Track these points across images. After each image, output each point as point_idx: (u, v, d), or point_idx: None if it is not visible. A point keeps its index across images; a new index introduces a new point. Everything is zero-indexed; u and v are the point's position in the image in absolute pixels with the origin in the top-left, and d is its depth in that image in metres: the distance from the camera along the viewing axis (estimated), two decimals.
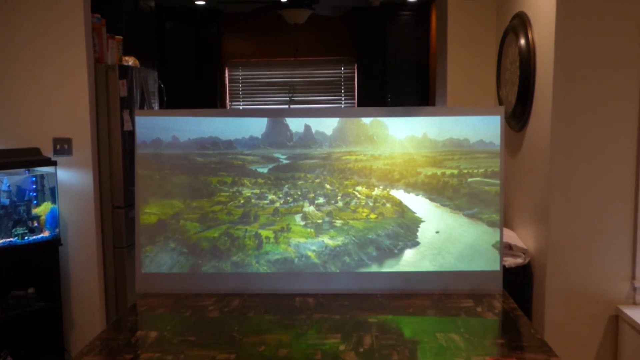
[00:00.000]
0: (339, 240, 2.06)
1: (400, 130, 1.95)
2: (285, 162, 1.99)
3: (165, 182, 2.06)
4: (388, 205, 2.04)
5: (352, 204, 2.05)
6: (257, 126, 1.97)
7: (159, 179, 2.05)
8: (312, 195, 2.05)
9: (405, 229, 2.04)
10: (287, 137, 1.98)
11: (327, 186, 2.03)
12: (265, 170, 2.01)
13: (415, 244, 2.03)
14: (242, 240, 2.08)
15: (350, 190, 2.04)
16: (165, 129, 1.97)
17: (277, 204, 2.07)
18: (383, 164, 1.98)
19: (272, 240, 2.07)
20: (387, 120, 1.96)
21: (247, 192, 2.04)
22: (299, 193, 2.04)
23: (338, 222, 2.07)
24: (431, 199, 2.02)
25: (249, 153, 1.98)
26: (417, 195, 2.02)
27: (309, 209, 2.07)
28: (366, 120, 1.97)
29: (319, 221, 2.07)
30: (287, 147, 1.98)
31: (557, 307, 2.43)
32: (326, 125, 1.97)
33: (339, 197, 2.04)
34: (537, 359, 1.43)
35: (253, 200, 2.07)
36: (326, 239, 2.06)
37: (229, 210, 2.08)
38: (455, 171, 1.97)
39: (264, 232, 2.08)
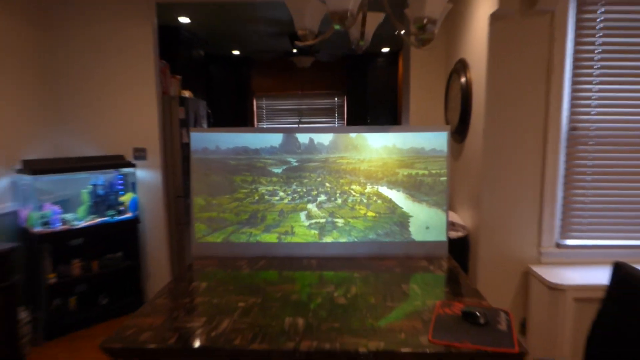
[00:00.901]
0: (342, 242, 1.88)
1: (376, 141, 1.94)
2: (295, 164, 1.98)
3: (198, 183, 1.90)
4: (379, 201, 1.88)
5: (349, 201, 1.89)
6: (275, 139, 1.96)
7: (194, 180, 1.90)
8: (315, 192, 1.91)
9: (400, 226, 1.87)
10: (296, 147, 1.98)
11: (327, 184, 1.93)
12: (279, 170, 1.96)
13: (410, 241, 1.89)
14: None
15: (346, 188, 1.91)
16: (211, 141, 1.96)
17: (286, 201, 1.89)
18: (367, 166, 1.94)
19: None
20: (367, 135, 1.95)
21: (262, 189, 1.92)
22: (304, 190, 1.92)
23: (340, 222, 1.87)
24: (410, 195, 1.88)
25: (269, 157, 1.97)
26: (398, 191, 1.89)
27: (313, 207, 1.88)
28: (352, 135, 1.97)
29: (322, 220, 1.87)
30: (297, 154, 1.97)
31: (486, 266, 2.44)
32: (324, 138, 1.96)
33: (337, 194, 1.91)
34: (472, 302, 1.44)
35: (266, 197, 1.90)
36: (329, 242, 1.87)
37: (243, 207, 1.86)
38: (426, 172, 1.89)
39: (267, 237, 1.86)
